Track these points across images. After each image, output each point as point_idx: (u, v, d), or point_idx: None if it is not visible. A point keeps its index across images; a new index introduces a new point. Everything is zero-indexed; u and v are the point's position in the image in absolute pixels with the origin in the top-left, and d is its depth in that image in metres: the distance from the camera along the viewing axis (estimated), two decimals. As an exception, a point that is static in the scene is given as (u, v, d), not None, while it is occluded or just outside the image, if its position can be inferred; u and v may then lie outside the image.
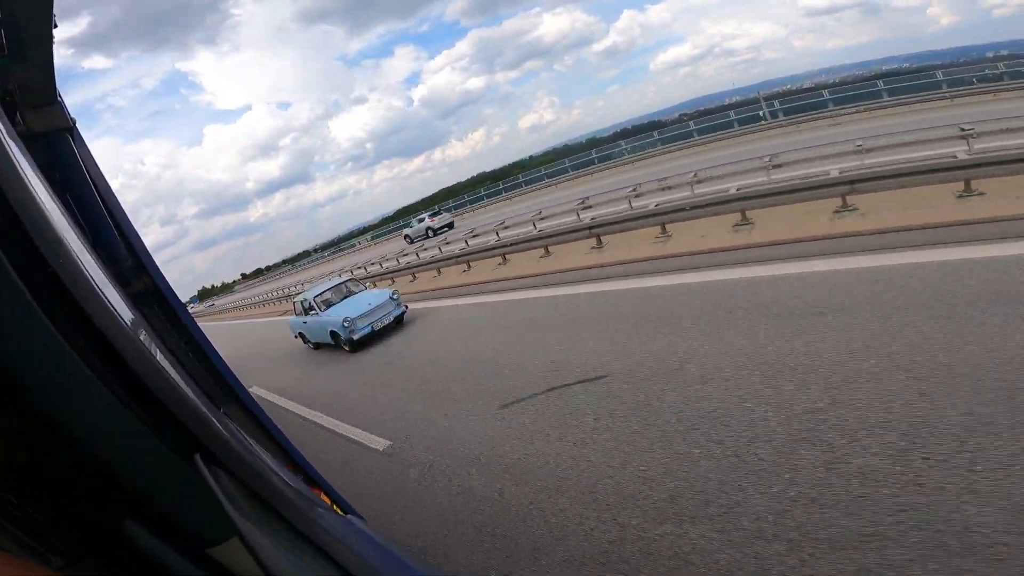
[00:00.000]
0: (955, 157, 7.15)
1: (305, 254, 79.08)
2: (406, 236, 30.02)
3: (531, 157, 71.00)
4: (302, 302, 11.19)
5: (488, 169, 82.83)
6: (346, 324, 9.48)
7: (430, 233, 26.91)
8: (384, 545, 1.33)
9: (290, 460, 2.05)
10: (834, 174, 8.27)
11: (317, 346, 11.30)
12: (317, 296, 10.78)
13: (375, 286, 14.97)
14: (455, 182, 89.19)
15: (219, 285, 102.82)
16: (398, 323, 10.24)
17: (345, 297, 10.76)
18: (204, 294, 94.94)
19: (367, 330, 9.59)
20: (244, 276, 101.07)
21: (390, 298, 10.21)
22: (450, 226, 27.85)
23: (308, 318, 10.94)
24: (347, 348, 9.85)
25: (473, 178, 78.93)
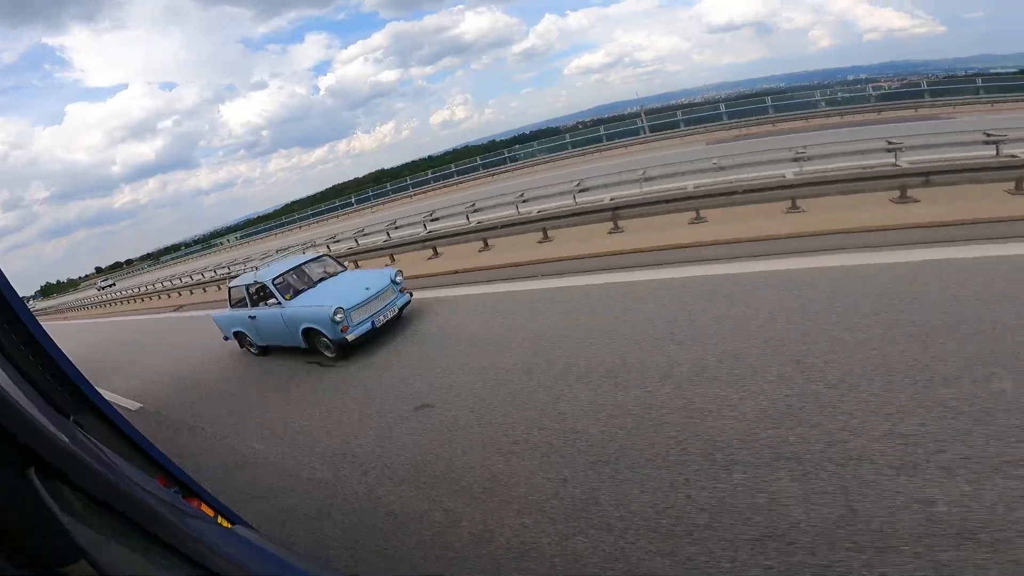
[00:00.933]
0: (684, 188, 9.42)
1: (175, 248, 71.84)
2: (96, 287, 51.95)
3: (431, 157, 70.34)
4: (248, 287, 7.94)
5: (388, 166, 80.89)
6: (338, 318, 6.58)
7: (103, 287, 48.24)
8: (275, 553, 1.26)
9: (161, 471, 1.83)
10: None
11: (264, 351, 8.29)
12: (276, 279, 7.57)
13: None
14: (352, 178, 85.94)
15: (64, 281, 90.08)
16: (398, 316, 7.56)
17: (320, 280, 7.78)
18: (48, 290, 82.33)
19: (367, 327, 6.80)
20: (99, 270, 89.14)
21: (392, 281, 7.39)
22: (112, 284, 48.53)
23: (259, 311, 7.72)
24: (330, 354, 6.97)
25: (371, 174, 76.50)
